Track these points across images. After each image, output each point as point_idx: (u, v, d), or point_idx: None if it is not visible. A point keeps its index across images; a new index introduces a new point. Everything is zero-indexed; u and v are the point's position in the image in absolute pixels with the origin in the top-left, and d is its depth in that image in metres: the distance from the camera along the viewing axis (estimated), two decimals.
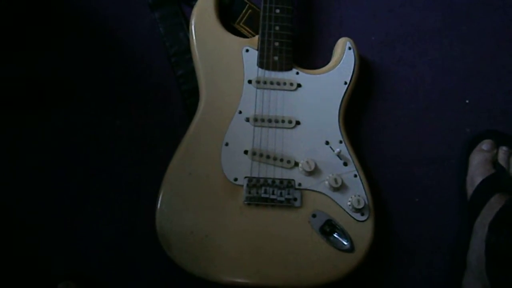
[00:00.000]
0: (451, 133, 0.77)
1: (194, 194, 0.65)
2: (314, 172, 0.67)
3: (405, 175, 0.75)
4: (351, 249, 0.65)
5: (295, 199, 0.66)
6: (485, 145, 0.74)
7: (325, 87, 0.72)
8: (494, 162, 0.72)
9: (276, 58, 0.72)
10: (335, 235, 0.65)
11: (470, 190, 0.72)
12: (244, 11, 0.78)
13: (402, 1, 0.84)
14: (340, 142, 0.70)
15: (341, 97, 0.72)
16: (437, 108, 0.79)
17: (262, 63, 0.72)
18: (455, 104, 0.79)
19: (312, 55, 0.80)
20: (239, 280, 0.63)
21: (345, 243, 0.65)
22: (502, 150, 0.73)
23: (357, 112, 0.77)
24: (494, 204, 0.66)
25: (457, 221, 0.73)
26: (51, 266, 0.70)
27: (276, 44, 0.72)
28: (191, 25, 0.73)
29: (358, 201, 0.66)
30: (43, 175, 0.73)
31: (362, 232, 0.66)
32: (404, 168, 0.76)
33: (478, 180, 0.71)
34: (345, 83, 0.72)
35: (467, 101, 0.79)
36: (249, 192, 0.65)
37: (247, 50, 0.72)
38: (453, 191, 0.75)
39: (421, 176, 0.75)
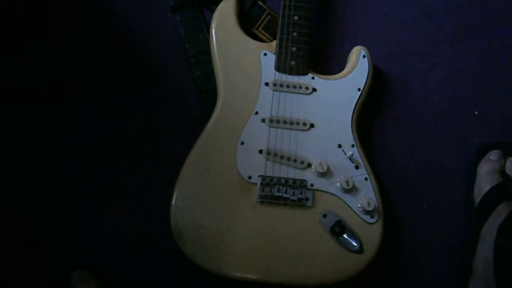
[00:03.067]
0: (460, 143, 0.79)
1: (209, 190, 0.66)
2: (326, 173, 0.68)
3: (414, 181, 0.76)
4: (360, 250, 0.66)
5: (307, 199, 0.67)
6: (493, 155, 0.75)
7: (339, 93, 0.74)
8: (502, 172, 0.74)
9: (293, 62, 0.73)
10: (345, 235, 0.66)
11: (477, 198, 0.73)
12: (263, 17, 0.80)
13: (415, 14, 0.86)
14: (352, 146, 0.71)
15: (355, 102, 0.73)
16: (447, 118, 0.80)
17: (280, 67, 0.73)
18: (464, 115, 0.81)
19: (327, 62, 0.82)
20: (249, 276, 0.64)
21: (355, 244, 0.66)
22: (510, 161, 0.75)
23: (369, 118, 0.78)
24: (502, 211, 0.68)
25: (464, 227, 0.74)
26: (64, 258, 0.71)
27: (294, 49, 0.74)
28: (212, 28, 0.76)
29: (368, 203, 0.67)
30: (62, 169, 0.74)
31: (371, 234, 0.67)
32: (413, 175, 0.77)
33: (486, 188, 0.72)
34: (359, 89, 0.74)
35: (476, 112, 0.81)
36: (263, 190, 0.66)
37: (265, 54, 0.74)
38: (460, 199, 0.76)
39: (429, 183, 0.76)
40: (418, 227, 0.74)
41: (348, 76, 0.75)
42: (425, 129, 0.80)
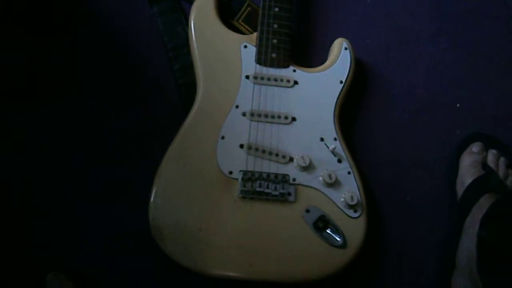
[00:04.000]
0: (442, 135, 0.79)
1: (188, 186, 0.65)
2: (308, 167, 0.68)
3: (397, 174, 0.77)
4: (343, 245, 0.65)
5: (289, 194, 0.66)
6: (475, 147, 0.75)
7: (321, 85, 0.73)
8: (484, 164, 0.74)
9: (274, 55, 0.72)
10: (328, 230, 0.66)
11: (460, 191, 0.73)
12: (243, 8, 0.79)
13: (398, 7, 0.86)
14: (335, 139, 0.70)
15: (337, 95, 0.73)
16: (429, 110, 0.80)
17: (260, 59, 0.72)
18: (446, 108, 0.81)
19: (309, 54, 0.81)
20: (231, 274, 0.63)
21: (338, 239, 0.65)
22: (492, 153, 0.75)
23: (351, 111, 0.78)
24: (484, 203, 0.68)
25: (447, 221, 0.74)
26: (40, 258, 0.69)
27: (274, 41, 0.73)
28: (191, 20, 0.74)
29: (352, 197, 0.66)
30: (37, 167, 0.73)
31: (355, 228, 0.66)
32: (395, 168, 0.77)
33: (468, 181, 0.72)
34: (341, 82, 0.74)
35: (458, 105, 0.81)
36: (244, 186, 0.66)
37: (245, 46, 0.73)
38: (443, 192, 0.76)
39: (412, 176, 0.77)
40: (402, 221, 0.74)
41: (330, 69, 0.75)
42: (407, 122, 0.80)
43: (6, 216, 0.70)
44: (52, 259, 0.68)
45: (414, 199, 0.76)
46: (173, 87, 0.77)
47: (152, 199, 0.65)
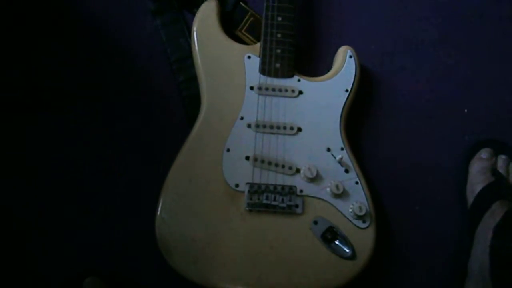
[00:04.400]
0: (450, 142, 0.78)
1: (195, 200, 0.65)
2: (315, 178, 0.67)
3: (406, 183, 0.76)
4: (352, 257, 0.64)
5: (297, 206, 0.66)
6: (484, 153, 0.74)
7: (326, 95, 0.72)
8: (493, 170, 0.73)
9: (278, 65, 0.72)
10: (336, 242, 0.65)
11: (470, 198, 0.72)
12: (246, 18, 0.78)
13: (402, 12, 0.84)
14: (342, 149, 0.69)
15: (342, 104, 0.72)
16: (437, 116, 0.79)
17: (264, 70, 0.71)
18: (454, 113, 0.80)
19: (313, 63, 0.80)
20: (240, 287, 0.63)
21: (347, 250, 0.64)
22: (501, 159, 0.73)
23: (358, 120, 0.77)
24: (496, 211, 0.67)
25: (458, 229, 0.73)
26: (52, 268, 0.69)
27: (278, 51, 0.72)
28: (193, 31, 0.73)
29: (360, 207, 0.66)
30: (44, 179, 0.72)
31: (364, 239, 0.66)
32: (404, 176, 0.76)
33: (478, 188, 0.71)
34: (346, 90, 0.73)
35: (465, 110, 0.80)
36: (251, 199, 0.65)
37: (249, 57, 0.72)
38: (453, 199, 0.75)
39: (421, 184, 0.76)
40: (411, 230, 0.73)
41: (335, 77, 0.74)
42: (414, 128, 0.79)
43: (13, 226, 0.70)
44: (86, 266, 0.69)
45: (424, 207, 0.74)
46: (178, 100, 0.77)
47: (158, 214, 0.64)
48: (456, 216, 0.74)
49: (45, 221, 0.71)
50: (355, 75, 0.74)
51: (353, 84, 0.73)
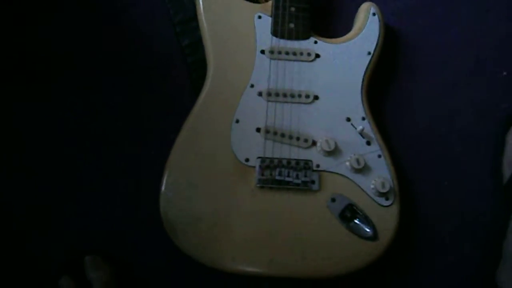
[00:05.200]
0: (485, 109, 0.72)
1: (201, 176, 0.62)
2: (333, 152, 0.63)
3: (433, 156, 0.71)
4: (374, 237, 0.61)
5: (313, 182, 0.62)
6: None
7: (346, 58, 0.67)
8: None
9: (292, 25, 0.67)
10: (356, 221, 0.62)
11: (507, 172, 0.67)
12: None
13: None
14: (363, 119, 0.65)
15: (364, 69, 0.67)
16: (470, 80, 0.74)
17: (277, 31, 0.67)
18: (490, 76, 0.74)
19: (332, 22, 0.75)
20: (251, 270, 0.60)
21: (368, 230, 0.61)
22: None
23: (381, 86, 0.72)
24: None
25: (492, 207, 0.68)
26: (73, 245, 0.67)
27: (292, 9, 0.67)
28: None
29: (383, 184, 0.62)
30: (40, 154, 0.69)
31: (386, 218, 0.62)
32: (432, 149, 0.71)
33: None
34: (369, 53, 0.68)
35: (504, 73, 0.74)
36: (262, 174, 0.62)
37: (259, 17, 0.67)
38: (486, 173, 0.70)
39: (451, 157, 0.71)
40: (439, 208, 0.69)
41: (356, 38, 0.68)
42: (445, 95, 0.73)
43: (16, 208, 0.68)
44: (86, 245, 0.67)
45: (453, 182, 0.70)
46: (182, 66, 0.72)
47: (162, 191, 0.61)
48: (489, 192, 0.69)
49: (41, 199, 0.68)
50: (378, 36, 0.68)
51: (376, 46, 0.68)
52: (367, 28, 0.68)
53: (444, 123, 0.72)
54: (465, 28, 0.75)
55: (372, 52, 0.67)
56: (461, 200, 0.69)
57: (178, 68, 0.72)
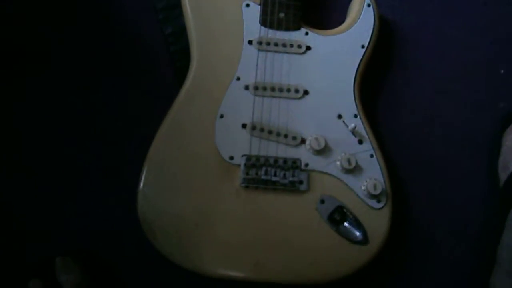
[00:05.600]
0: (481, 108, 0.70)
1: (183, 174, 0.59)
2: (323, 150, 0.61)
3: (427, 156, 0.69)
4: (364, 241, 0.59)
5: (301, 182, 0.60)
6: None
7: (339, 51, 0.65)
8: None
9: (282, 15, 0.64)
10: (346, 224, 0.60)
11: (503, 175, 0.64)
12: None
13: None
14: (355, 116, 0.63)
15: (358, 63, 0.64)
16: (466, 78, 0.71)
17: (266, 21, 0.64)
18: (487, 74, 0.72)
19: (324, 13, 0.72)
20: (234, 274, 0.58)
21: (358, 233, 0.59)
22: None
23: (374, 82, 0.69)
24: None
25: (486, 209, 0.67)
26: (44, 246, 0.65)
27: None
28: None
29: (375, 185, 0.60)
30: (17, 149, 0.67)
31: (378, 221, 0.60)
32: (425, 148, 0.69)
33: None
34: (363, 46, 0.65)
35: (502, 71, 0.71)
36: (247, 173, 0.59)
37: (247, 5, 0.64)
38: (482, 175, 0.68)
39: (445, 157, 0.69)
40: (432, 210, 0.67)
41: (349, 30, 0.66)
42: (440, 93, 0.71)
43: None
44: (57, 246, 0.64)
45: (447, 184, 0.68)
46: (165, 55, 0.69)
47: (140, 188, 0.59)
48: (485, 195, 0.67)
49: (20, 194, 0.66)
50: (373, 28, 0.66)
51: (370, 39, 0.65)
52: (361, 19, 0.65)
53: (440, 122, 0.70)
54: (461, 23, 0.73)
55: (366, 45, 0.65)
56: (455, 203, 0.67)
57: (161, 57, 0.69)
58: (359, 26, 0.65)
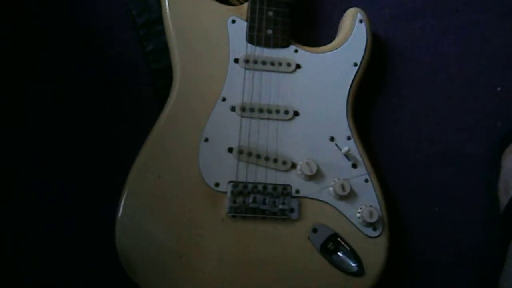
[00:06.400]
0: (478, 128, 0.69)
1: (165, 203, 0.56)
2: (315, 176, 0.58)
3: (424, 178, 0.67)
4: (360, 272, 0.57)
5: (292, 210, 0.57)
6: None
7: (330, 69, 0.63)
8: None
9: (269, 31, 0.62)
10: (340, 254, 0.57)
11: (504, 198, 0.62)
12: None
13: None
14: (348, 138, 0.61)
15: (350, 82, 0.62)
16: (462, 96, 0.69)
17: (252, 38, 0.61)
18: (483, 92, 0.70)
19: (314, 29, 0.70)
20: None
21: (353, 264, 0.57)
22: None
23: (368, 102, 0.68)
24: None
25: (487, 237, 0.65)
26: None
27: (270, 13, 0.62)
28: None
29: (371, 213, 0.57)
30: None
31: (374, 251, 0.58)
32: (422, 171, 0.67)
33: None
34: (355, 64, 0.63)
35: (498, 89, 0.70)
36: (234, 201, 0.57)
37: (233, 21, 0.62)
38: (481, 199, 0.66)
39: (442, 180, 0.67)
40: (430, 236, 0.65)
41: (341, 48, 0.64)
42: (436, 112, 0.69)
43: None
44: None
45: (445, 208, 0.66)
46: (145, 75, 0.67)
47: (119, 218, 0.55)
48: (484, 220, 0.65)
49: None
50: (366, 45, 0.64)
51: (363, 57, 0.63)
52: (353, 36, 0.63)
53: (435, 143, 0.68)
54: (457, 39, 0.71)
55: (358, 63, 0.63)
56: (454, 229, 0.65)
57: (141, 77, 0.66)
58: (351, 43, 0.63)
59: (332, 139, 0.60)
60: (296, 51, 0.62)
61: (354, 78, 0.62)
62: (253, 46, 0.61)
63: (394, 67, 0.70)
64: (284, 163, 0.58)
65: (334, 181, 0.58)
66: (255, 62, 0.60)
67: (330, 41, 0.64)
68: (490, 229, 0.64)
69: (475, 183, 0.66)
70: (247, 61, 0.60)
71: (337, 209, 0.57)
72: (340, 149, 0.59)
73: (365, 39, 0.63)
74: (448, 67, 0.70)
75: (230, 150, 0.57)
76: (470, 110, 0.69)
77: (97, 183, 0.63)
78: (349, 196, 0.57)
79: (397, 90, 0.69)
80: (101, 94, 0.66)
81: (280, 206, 0.56)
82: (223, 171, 0.57)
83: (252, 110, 0.59)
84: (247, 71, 0.60)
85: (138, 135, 0.58)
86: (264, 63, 0.60)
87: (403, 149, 0.67)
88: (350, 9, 0.65)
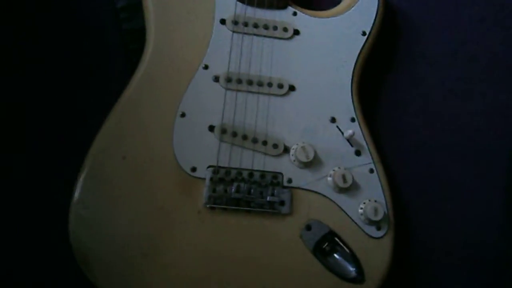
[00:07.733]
0: (501, 116, 0.64)
1: (130, 189, 0.51)
2: (312, 163, 0.54)
3: (436, 170, 0.62)
4: (359, 278, 0.52)
5: (282, 203, 0.53)
6: None
7: (334, 38, 0.58)
8: None
9: None
10: (336, 256, 0.53)
11: None
12: None
13: None
14: (353, 120, 0.56)
15: (357, 53, 0.57)
16: (484, 78, 0.65)
17: None
18: (507, 75, 0.65)
19: None
20: None
21: (351, 268, 0.53)
22: None
23: (375, 80, 0.63)
24: None
25: (501, 238, 0.61)
26: None
27: None
28: None
29: (375, 209, 0.53)
30: None
31: (377, 254, 0.53)
32: (434, 161, 0.63)
33: None
34: (364, 33, 0.58)
35: None
36: (214, 190, 0.51)
37: None
38: (498, 196, 0.62)
39: (457, 173, 0.62)
40: (442, 238, 0.61)
41: (348, 12, 0.59)
42: (451, 95, 0.64)
43: None
44: None
45: (459, 204, 0.61)
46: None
47: (73, 208, 0.49)
48: (502, 222, 0.61)
49: None
50: (377, 11, 0.59)
51: (373, 25, 0.58)
52: (362, 0, 0.59)
53: (450, 130, 0.63)
54: (481, 13, 0.65)
55: (368, 32, 0.58)
56: (469, 231, 0.61)
57: (115, 55, 0.61)
58: (360, 8, 0.59)
59: (333, 120, 0.55)
60: (294, 13, 0.57)
61: (361, 49, 0.57)
62: (243, 5, 0.56)
63: (408, 41, 0.65)
64: (275, 146, 0.53)
65: (333, 170, 0.53)
66: (245, 24, 0.55)
67: (335, 5, 0.60)
68: (507, 228, 0.60)
69: (493, 178, 0.62)
70: (235, 23, 0.55)
71: (336, 204, 0.53)
72: (342, 133, 0.55)
73: (376, 5, 0.59)
74: (469, 43, 0.65)
75: (211, 128, 0.52)
76: (492, 94, 0.63)
77: (56, 163, 0.57)
78: (350, 188, 0.53)
79: (410, 67, 0.65)
80: (78, 76, 0.61)
81: (269, 198, 0.52)
82: (201, 153, 0.52)
83: (239, 81, 0.54)
84: (235, 35, 0.55)
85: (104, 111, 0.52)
86: (256, 26, 0.55)
87: (414, 137, 0.63)
88: None
